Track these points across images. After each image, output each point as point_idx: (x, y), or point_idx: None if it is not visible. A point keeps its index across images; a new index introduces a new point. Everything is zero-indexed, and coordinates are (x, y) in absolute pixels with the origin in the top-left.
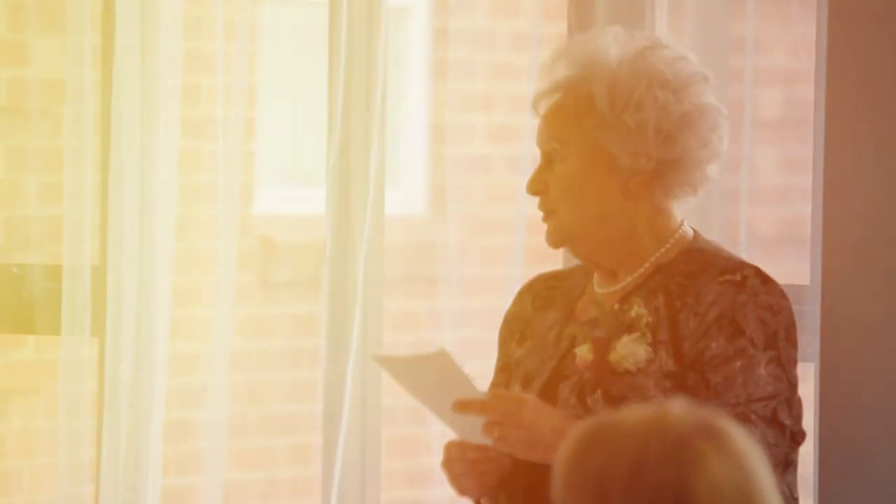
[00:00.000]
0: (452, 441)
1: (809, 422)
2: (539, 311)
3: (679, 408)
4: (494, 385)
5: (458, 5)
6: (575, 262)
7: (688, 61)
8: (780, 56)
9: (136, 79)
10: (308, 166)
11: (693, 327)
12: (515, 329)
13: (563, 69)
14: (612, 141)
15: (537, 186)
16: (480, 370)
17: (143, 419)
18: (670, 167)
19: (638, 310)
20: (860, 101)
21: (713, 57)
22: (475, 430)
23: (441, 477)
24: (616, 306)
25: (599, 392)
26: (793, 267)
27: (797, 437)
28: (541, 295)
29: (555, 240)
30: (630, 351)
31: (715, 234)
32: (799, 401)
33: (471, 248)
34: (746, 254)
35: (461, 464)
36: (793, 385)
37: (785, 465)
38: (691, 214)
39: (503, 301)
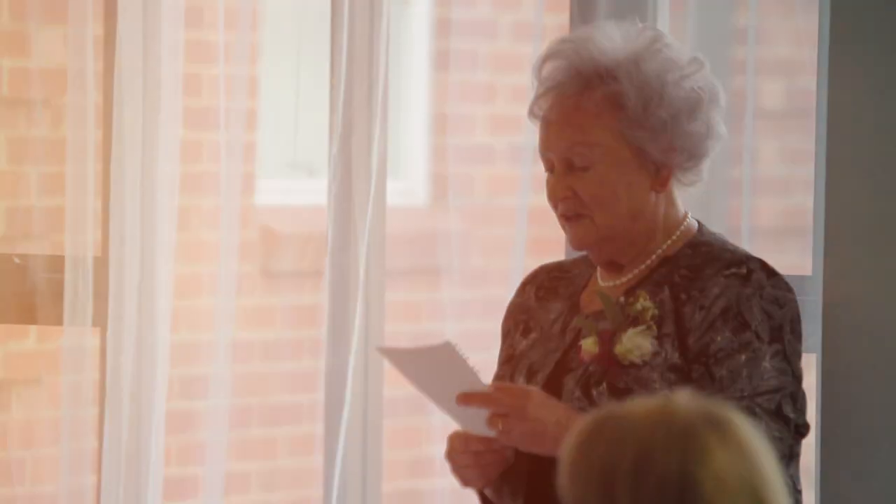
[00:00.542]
0: (456, 432)
1: (811, 412)
2: (542, 301)
3: (685, 398)
4: (498, 377)
5: None
6: (575, 253)
7: (682, 46)
8: (782, 47)
9: (137, 69)
10: (310, 157)
11: (698, 320)
12: (519, 320)
13: (569, 67)
14: (645, 138)
15: (563, 192)
16: (482, 362)
17: (145, 409)
18: (690, 155)
19: (643, 303)
20: (862, 92)
21: (715, 48)
22: (479, 422)
23: (443, 467)
24: (621, 299)
25: (604, 385)
26: (795, 258)
27: (801, 429)
28: (544, 286)
29: (585, 243)
30: (636, 344)
31: (717, 225)
32: (803, 394)
33: (473, 238)
34: (748, 244)
35: (464, 455)
36: (797, 378)
37: (789, 458)
38: (694, 205)
39: (505, 292)
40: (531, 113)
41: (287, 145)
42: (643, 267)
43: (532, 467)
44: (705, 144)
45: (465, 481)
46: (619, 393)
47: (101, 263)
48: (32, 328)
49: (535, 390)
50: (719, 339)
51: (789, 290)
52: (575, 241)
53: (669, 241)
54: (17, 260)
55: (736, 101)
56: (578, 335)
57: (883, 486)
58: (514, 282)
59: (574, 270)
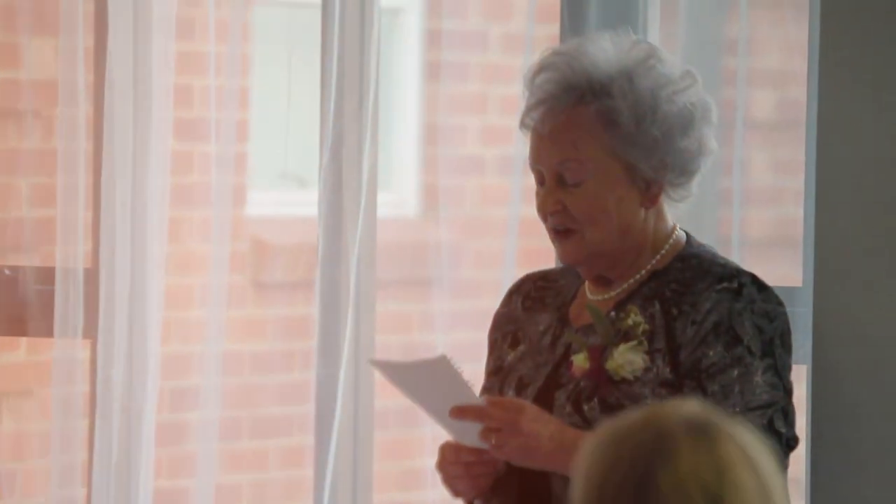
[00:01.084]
0: (447, 442)
1: (801, 423)
2: (530, 312)
3: (683, 405)
4: (485, 389)
5: (450, 7)
6: None
7: (675, 60)
8: (773, 58)
9: (128, 80)
10: (301, 168)
11: (690, 335)
12: (507, 331)
13: (562, 81)
14: (637, 155)
15: (553, 206)
16: (473, 373)
17: (135, 421)
18: (681, 172)
19: (635, 318)
20: (853, 103)
21: (706, 58)
22: (472, 435)
23: (434, 479)
24: (612, 314)
25: (596, 400)
26: (785, 269)
27: (791, 442)
28: (531, 296)
29: (575, 258)
30: (627, 359)
31: (708, 236)
32: (793, 407)
33: (463, 250)
34: (738, 255)
35: (455, 466)
36: (788, 392)
37: None
38: (685, 217)
39: (496, 303)
40: (522, 123)
41: (278, 157)
42: (632, 281)
43: (523, 480)
44: (697, 161)
45: (456, 492)
46: (611, 408)
47: (92, 275)
48: (23, 340)
49: (529, 405)
50: (711, 354)
51: (779, 303)
52: (565, 256)
53: (659, 256)
54: (7, 271)
55: (726, 111)
56: (569, 349)
57: (874, 496)
58: (504, 293)
59: (561, 280)
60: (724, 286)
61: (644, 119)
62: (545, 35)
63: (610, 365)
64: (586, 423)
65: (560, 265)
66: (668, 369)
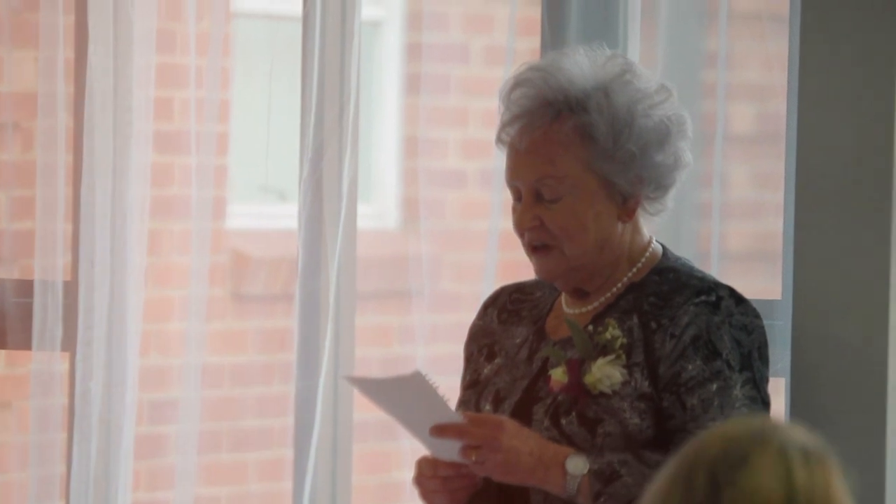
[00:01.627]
0: (424, 457)
1: None
2: (506, 325)
3: (800, 430)
4: (462, 402)
5: (431, 19)
6: None
7: (650, 74)
8: (753, 71)
9: (108, 93)
10: (281, 181)
11: (669, 349)
12: (483, 344)
13: (538, 96)
14: (614, 170)
15: (531, 222)
16: (454, 385)
17: (114, 434)
18: (657, 186)
19: (613, 331)
20: (832, 117)
21: (686, 71)
22: (451, 451)
23: (412, 493)
24: (590, 327)
25: (574, 414)
26: (764, 282)
27: None
28: (507, 308)
29: (552, 274)
30: (605, 373)
31: (687, 250)
32: None
33: (443, 262)
34: (718, 268)
35: (433, 480)
36: (766, 405)
37: None
38: (664, 230)
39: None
40: (498, 139)
41: (258, 169)
42: (609, 294)
43: (502, 494)
44: (672, 175)
45: None
46: (589, 423)
47: (71, 288)
48: (1, 352)
49: (509, 421)
50: (690, 367)
51: (757, 316)
52: (542, 272)
53: (635, 268)
54: None
55: (706, 125)
56: (546, 363)
57: None
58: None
59: (537, 293)
60: (702, 299)
61: (621, 134)
62: (526, 48)
63: (588, 379)
64: (564, 438)
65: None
66: (646, 383)
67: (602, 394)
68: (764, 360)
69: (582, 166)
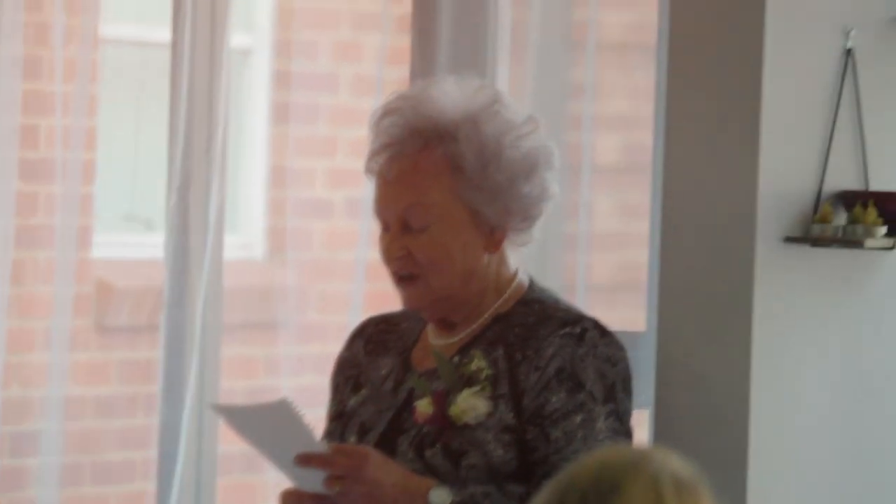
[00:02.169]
0: (287, 489)
1: None
2: (372, 356)
3: (676, 459)
4: (328, 433)
5: (300, 48)
6: None
7: (518, 106)
8: (619, 102)
9: None
10: (147, 210)
11: (533, 381)
12: (349, 375)
13: (407, 125)
14: (481, 200)
15: (398, 252)
16: (319, 417)
17: None
18: (524, 217)
19: (478, 363)
20: (697, 148)
21: (553, 102)
22: (315, 482)
23: None
24: (455, 358)
25: (438, 446)
26: (629, 313)
27: None
28: (373, 339)
29: (418, 304)
30: (470, 405)
31: (553, 281)
32: None
33: (310, 293)
34: (583, 300)
35: None
36: (629, 437)
37: None
38: (531, 261)
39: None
40: (367, 168)
41: (124, 198)
42: (476, 325)
43: None
44: (539, 206)
45: None
46: (453, 454)
47: None
48: None
49: (374, 452)
50: (554, 399)
51: (621, 348)
52: (408, 302)
53: (501, 300)
54: None
55: (573, 155)
56: (412, 394)
57: None
58: None
59: (403, 324)
60: (566, 331)
61: (489, 164)
62: (395, 78)
63: (453, 410)
64: (429, 470)
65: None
66: (511, 415)
67: (467, 425)
68: (628, 392)
69: (450, 196)
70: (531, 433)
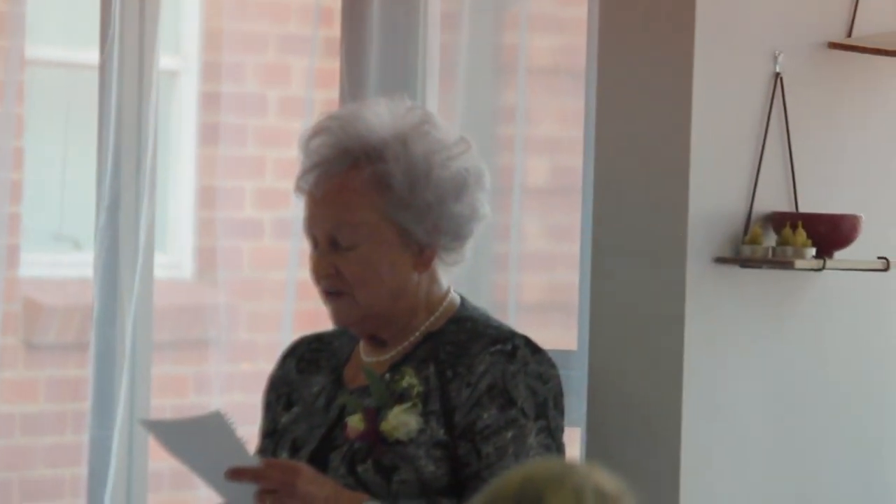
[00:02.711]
0: None
1: None
2: (304, 374)
3: (599, 472)
4: (260, 451)
5: (228, 70)
6: None
7: (450, 126)
8: (549, 125)
9: None
10: (76, 229)
11: (465, 397)
12: (281, 393)
13: (337, 145)
14: (410, 219)
15: (326, 270)
16: (249, 435)
17: None
18: (454, 236)
19: (409, 380)
20: (628, 170)
21: (483, 125)
22: (246, 497)
23: None
24: (387, 376)
25: (370, 462)
26: (560, 332)
27: None
28: (305, 357)
29: (347, 321)
30: (402, 421)
31: (484, 300)
32: None
33: (240, 312)
34: (515, 320)
35: None
36: (561, 452)
37: None
38: (461, 281)
39: (272, 366)
40: (297, 187)
41: (53, 217)
42: (407, 343)
43: None
44: (469, 225)
45: None
46: (385, 470)
47: None
48: None
49: (306, 466)
50: (486, 416)
51: (552, 365)
52: (336, 318)
53: (433, 318)
54: None
55: (503, 177)
56: (343, 411)
57: None
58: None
59: (335, 342)
60: (497, 348)
61: (417, 183)
62: (324, 99)
63: (384, 427)
64: (360, 485)
65: (336, 327)
66: (442, 431)
67: (398, 441)
68: (559, 409)
69: (378, 215)
70: (463, 449)
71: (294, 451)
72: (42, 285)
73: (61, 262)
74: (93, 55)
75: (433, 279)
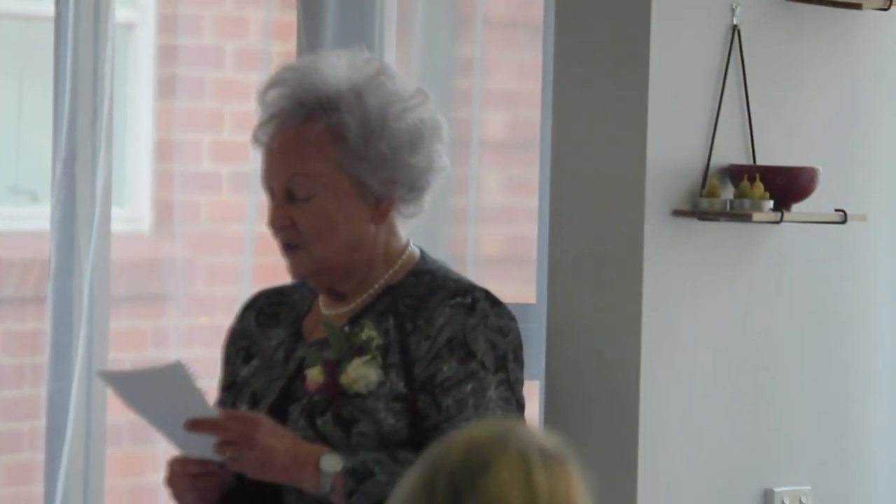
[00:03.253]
0: (175, 456)
1: None
2: (263, 328)
3: (540, 433)
4: (219, 404)
5: (185, 22)
6: None
7: (407, 78)
8: (507, 79)
9: None
10: (32, 183)
11: (424, 350)
12: (240, 346)
13: (293, 96)
14: (365, 170)
15: (282, 221)
16: (209, 389)
17: None
18: (411, 188)
19: (369, 332)
20: (584, 124)
21: (441, 78)
22: (206, 448)
23: (165, 496)
24: (346, 328)
25: (329, 414)
26: (519, 286)
27: None
28: (264, 311)
29: (303, 273)
30: (361, 374)
31: (442, 254)
32: (526, 422)
33: (198, 266)
34: (473, 273)
35: (183, 479)
36: (521, 406)
37: None
38: (420, 234)
39: (231, 319)
40: (254, 139)
41: (9, 170)
42: (366, 296)
43: (255, 493)
44: (426, 178)
45: None
46: (344, 423)
47: None
48: None
49: (265, 418)
50: (445, 368)
51: (512, 318)
52: (293, 271)
53: (392, 271)
54: None
55: (461, 131)
56: (303, 364)
57: None
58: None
59: (295, 296)
60: (457, 301)
61: (372, 135)
62: (281, 52)
63: (344, 379)
64: (320, 437)
65: (294, 281)
66: (402, 383)
67: (358, 394)
68: (519, 362)
69: (333, 166)
70: (422, 401)
71: (253, 403)
72: None
73: (18, 215)
74: (48, 7)
75: (391, 232)
